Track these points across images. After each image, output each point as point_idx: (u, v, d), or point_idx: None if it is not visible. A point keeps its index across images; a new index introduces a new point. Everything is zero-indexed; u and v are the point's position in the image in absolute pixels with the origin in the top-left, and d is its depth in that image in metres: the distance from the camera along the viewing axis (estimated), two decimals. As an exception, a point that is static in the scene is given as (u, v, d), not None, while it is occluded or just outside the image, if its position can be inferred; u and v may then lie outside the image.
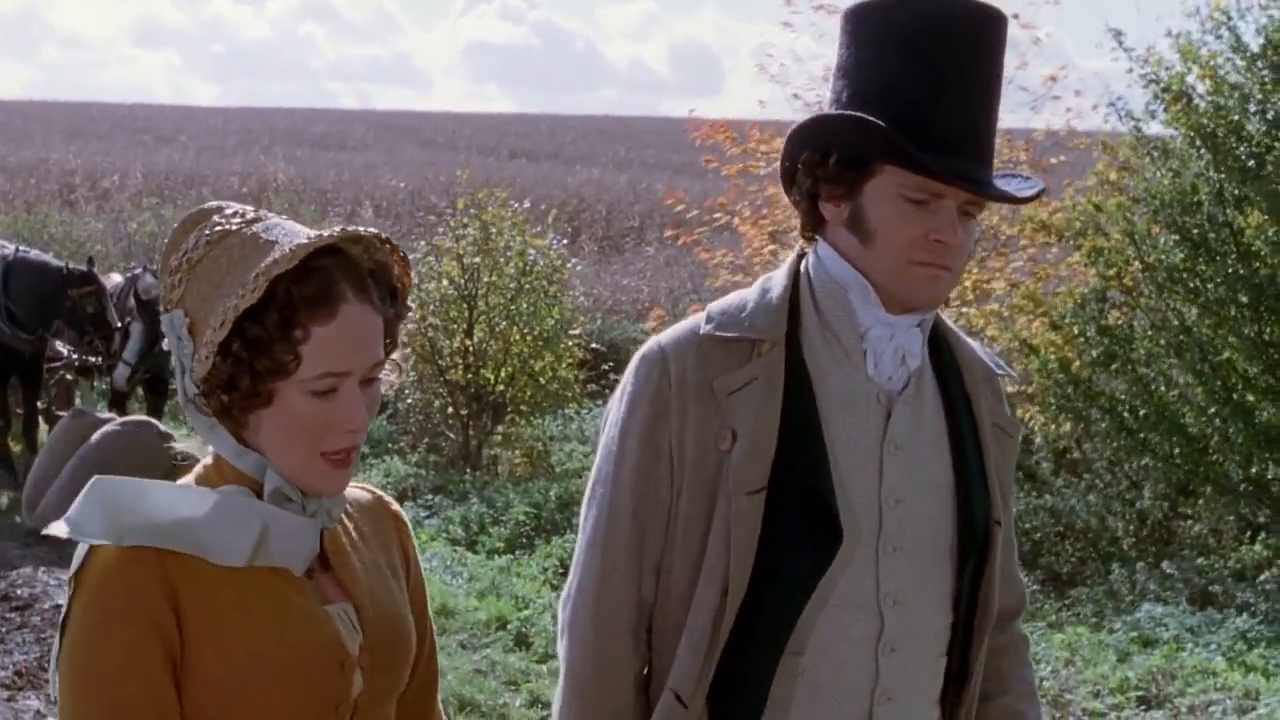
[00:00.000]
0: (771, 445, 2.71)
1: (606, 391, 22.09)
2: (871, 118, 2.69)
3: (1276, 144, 12.46)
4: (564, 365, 17.72)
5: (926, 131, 2.67)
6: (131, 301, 15.43)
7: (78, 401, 15.69)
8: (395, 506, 2.64)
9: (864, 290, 2.78)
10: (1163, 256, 12.90)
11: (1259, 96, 12.73)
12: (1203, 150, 12.68)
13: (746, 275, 16.79)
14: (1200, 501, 14.00)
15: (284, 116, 76.36)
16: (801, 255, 2.89)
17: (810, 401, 2.75)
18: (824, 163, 2.76)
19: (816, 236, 2.85)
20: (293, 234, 2.32)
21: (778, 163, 2.89)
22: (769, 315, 2.79)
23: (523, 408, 17.66)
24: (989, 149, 2.76)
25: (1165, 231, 12.97)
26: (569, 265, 19.13)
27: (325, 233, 2.29)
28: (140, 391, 16.79)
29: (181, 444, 2.46)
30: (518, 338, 17.17)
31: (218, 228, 2.34)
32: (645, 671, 2.83)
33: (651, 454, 2.77)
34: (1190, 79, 12.90)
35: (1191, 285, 12.80)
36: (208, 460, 2.40)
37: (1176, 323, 12.95)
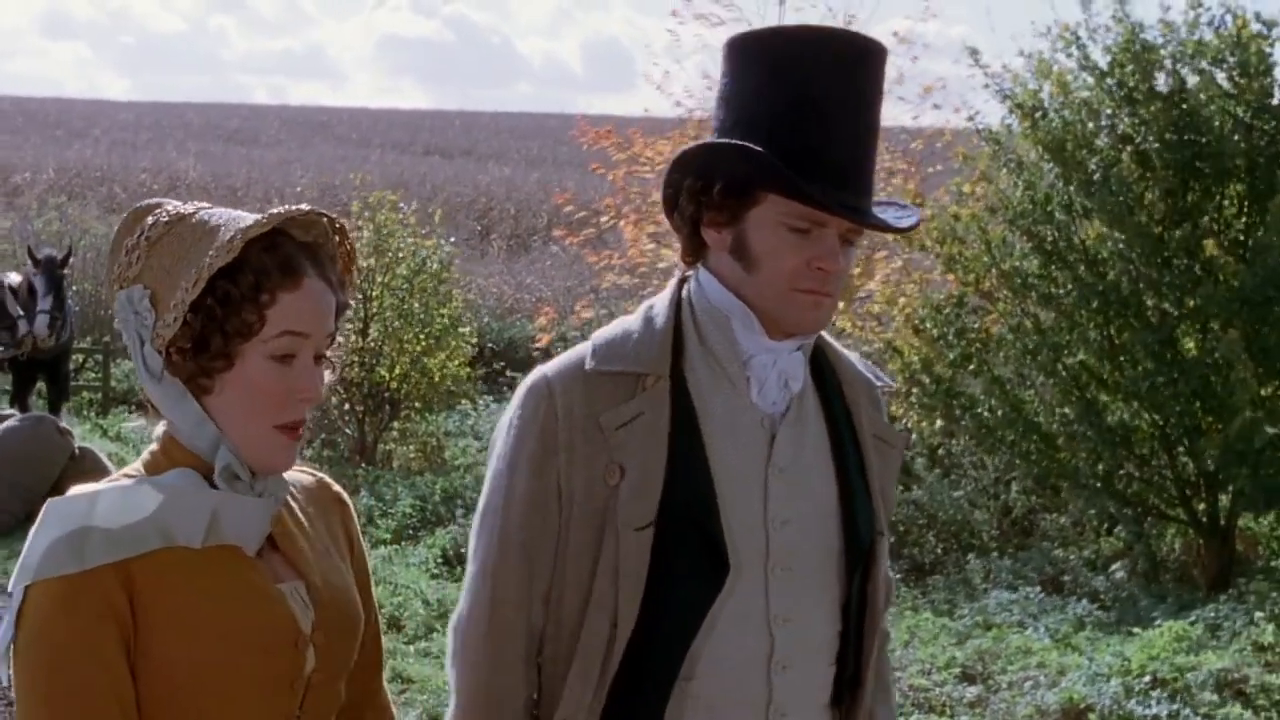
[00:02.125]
0: (659, 480, 2.73)
1: (503, 389, 22.64)
2: (756, 147, 2.71)
3: (1122, 157, 13.12)
4: (455, 363, 18.19)
5: (809, 161, 2.70)
6: (29, 269, 15.93)
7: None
8: (337, 489, 2.68)
9: (746, 318, 2.80)
10: (1018, 264, 13.51)
11: (1108, 111, 13.36)
12: (1053, 165, 13.32)
13: (632, 277, 17.40)
14: (1058, 496, 14.70)
15: (197, 112, 76.14)
16: (683, 281, 2.91)
17: (695, 433, 2.78)
18: (708, 190, 2.78)
19: (698, 263, 2.88)
20: (240, 217, 2.40)
21: (661, 168, 3.14)
22: (653, 348, 2.80)
23: (416, 404, 18.15)
24: (869, 178, 2.80)
25: (1021, 239, 13.59)
26: (455, 264, 19.57)
27: (288, 209, 2.40)
28: (41, 388, 17.18)
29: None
30: (410, 336, 17.64)
31: (170, 213, 2.42)
32: (535, 698, 2.84)
33: (539, 487, 2.77)
34: (1043, 95, 13.51)
35: (1045, 291, 13.40)
36: (154, 446, 2.45)
37: (1031, 326, 13.57)
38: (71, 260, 17.04)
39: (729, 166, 2.77)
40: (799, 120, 2.73)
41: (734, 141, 2.76)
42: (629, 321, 2.88)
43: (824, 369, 2.93)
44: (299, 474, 2.61)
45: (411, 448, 18.06)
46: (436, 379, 18.02)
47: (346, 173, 42.26)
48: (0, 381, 17.46)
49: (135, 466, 2.45)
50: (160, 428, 2.45)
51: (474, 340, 18.93)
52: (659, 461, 2.73)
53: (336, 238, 2.49)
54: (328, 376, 2.48)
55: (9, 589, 2.34)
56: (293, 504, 2.53)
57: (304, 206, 2.43)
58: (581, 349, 2.85)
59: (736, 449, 2.79)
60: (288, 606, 2.41)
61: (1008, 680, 8.83)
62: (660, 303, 2.88)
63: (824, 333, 2.94)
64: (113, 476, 2.45)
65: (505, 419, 2.86)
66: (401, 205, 18.89)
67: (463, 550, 12.47)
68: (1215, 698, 7.84)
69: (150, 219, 2.43)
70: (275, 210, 2.40)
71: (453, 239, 22.05)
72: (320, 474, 2.68)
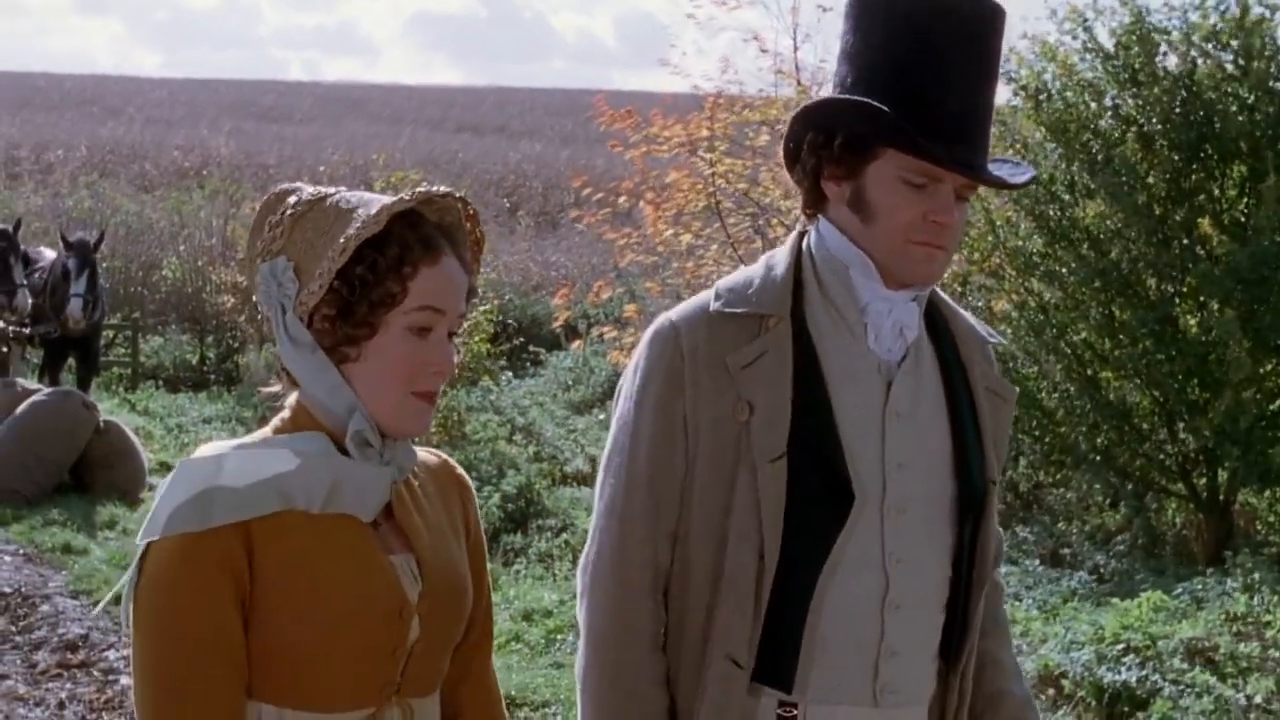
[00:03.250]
0: (786, 414, 2.80)
1: (525, 365, 22.95)
2: (876, 103, 2.78)
3: (1126, 138, 13.36)
4: (476, 339, 18.49)
5: (928, 117, 2.76)
6: (48, 251, 16.36)
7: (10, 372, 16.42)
8: (460, 472, 2.78)
9: (865, 267, 2.87)
10: (1022, 243, 13.77)
11: (1113, 92, 13.59)
12: (1056, 145, 13.56)
13: (650, 255, 17.63)
14: (1061, 473, 14.95)
15: (231, 89, 76.43)
16: (803, 233, 2.98)
17: (817, 374, 2.84)
18: (829, 144, 2.85)
19: (818, 214, 2.95)
20: (380, 197, 2.53)
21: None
22: (775, 291, 2.88)
23: (438, 380, 18.46)
24: (985, 136, 2.85)
25: (1025, 219, 13.84)
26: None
27: (429, 189, 2.54)
28: (72, 363, 17.56)
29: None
30: (431, 313, 17.93)
31: (312, 193, 2.55)
32: (663, 633, 2.90)
33: (666, 425, 2.85)
34: (1047, 76, 13.75)
35: (1049, 270, 13.64)
36: (285, 413, 2.56)
37: (1035, 304, 13.82)
38: (103, 243, 17.41)
39: (849, 121, 2.84)
40: (919, 76, 2.79)
41: (855, 97, 2.83)
42: (751, 270, 2.97)
43: (938, 323, 3.01)
44: (426, 454, 2.72)
45: (432, 422, 18.38)
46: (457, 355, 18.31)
47: (378, 150, 42.63)
48: (33, 357, 17.82)
49: (264, 432, 2.57)
50: (292, 397, 2.56)
51: (495, 317, 19.19)
52: (785, 397, 2.81)
53: (469, 224, 2.60)
54: (455, 358, 2.58)
55: (137, 541, 2.47)
56: (414, 480, 2.62)
57: (442, 189, 2.56)
58: (705, 295, 2.94)
59: (855, 392, 2.87)
60: (395, 577, 2.50)
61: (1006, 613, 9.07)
62: (781, 252, 2.98)
63: (938, 289, 3.03)
64: (242, 439, 2.56)
65: (631, 363, 2.95)
66: (425, 184, 19.17)
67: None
68: (1184, 664, 8.12)
69: (293, 198, 2.55)
70: (419, 189, 2.53)
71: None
72: (446, 456, 2.78)
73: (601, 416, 19.33)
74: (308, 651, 2.43)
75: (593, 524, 2.95)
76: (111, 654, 8.53)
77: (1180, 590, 10.36)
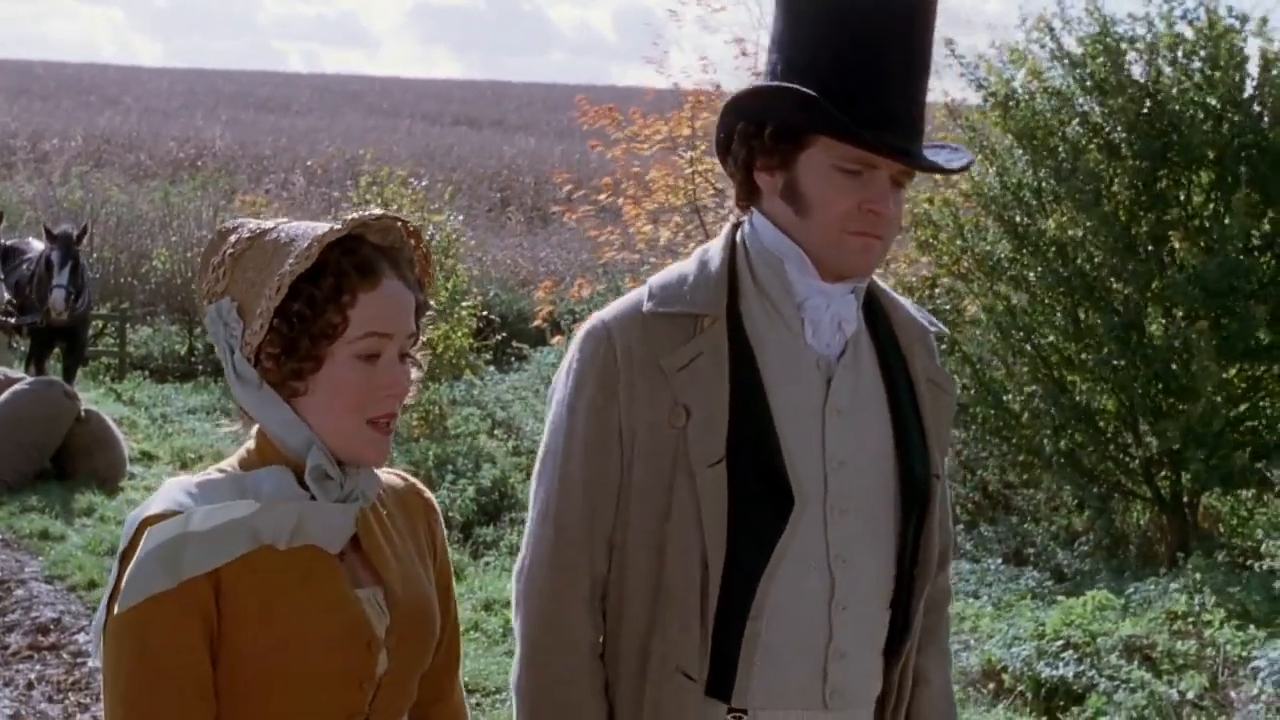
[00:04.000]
0: (724, 419, 2.74)
1: (510, 360, 23.15)
2: (806, 89, 2.72)
3: (1091, 145, 13.58)
4: (459, 334, 18.70)
5: (859, 104, 2.70)
6: (36, 242, 16.64)
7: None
8: (428, 495, 2.75)
9: (800, 261, 2.81)
10: (990, 248, 13.99)
11: (1080, 100, 13.81)
12: (1022, 152, 13.79)
13: (632, 252, 17.86)
14: (1030, 474, 15.18)
15: (230, 79, 76.62)
16: (737, 226, 2.90)
17: (754, 373, 2.78)
18: (759, 134, 2.79)
19: (751, 207, 2.88)
20: (317, 227, 2.51)
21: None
22: (709, 289, 2.82)
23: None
24: (919, 122, 2.79)
25: (994, 224, 14.06)
26: (467, 238, 20.06)
27: (362, 215, 2.50)
28: (59, 351, 17.77)
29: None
30: (414, 308, 18.15)
31: (251, 229, 2.53)
32: (600, 642, 2.84)
33: (601, 430, 2.78)
34: (1016, 83, 13.97)
35: (1016, 274, 13.87)
36: (250, 444, 2.54)
37: (1003, 308, 14.05)
38: (88, 235, 17.62)
39: (779, 110, 2.78)
40: (850, 63, 2.73)
41: (784, 84, 2.77)
42: (684, 265, 2.90)
43: (877, 314, 2.95)
44: (391, 477, 2.69)
45: (414, 415, 18.59)
46: (440, 350, 18.53)
47: (375, 144, 42.75)
48: (20, 346, 18.07)
49: (230, 463, 2.56)
50: (255, 429, 2.54)
51: (478, 312, 19.41)
52: (722, 400, 2.75)
53: (412, 240, 2.56)
54: (414, 374, 2.55)
55: (116, 612, 2.42)
56: (381, 508, 2.60)
57: (376, 211, 2.52)
58: (638, 293, 2.87)
59: (794, 390, 2.81)
60: (362, 610, 2.49)
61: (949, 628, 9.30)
62: (714, 246, 2.90)
63: (876, 278, 2.97)
64: (208, 471, 2.55)
65: (563, 364, 2.87)
66: (412, 180, 19.41)
67: (450, 515, 13.04)
68: (1122, 661, 8.35)
69: (234, 237, 2.53)
70: (350, 216, 2.50)
71: (461, 216, 22.55)
72: (412, 479, 2.75)
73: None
74: (275, 685, 2.44)
75: (527, 531, 2.89)
76: (81, 637, 8.73)
77: (1133, 590, 10.60)
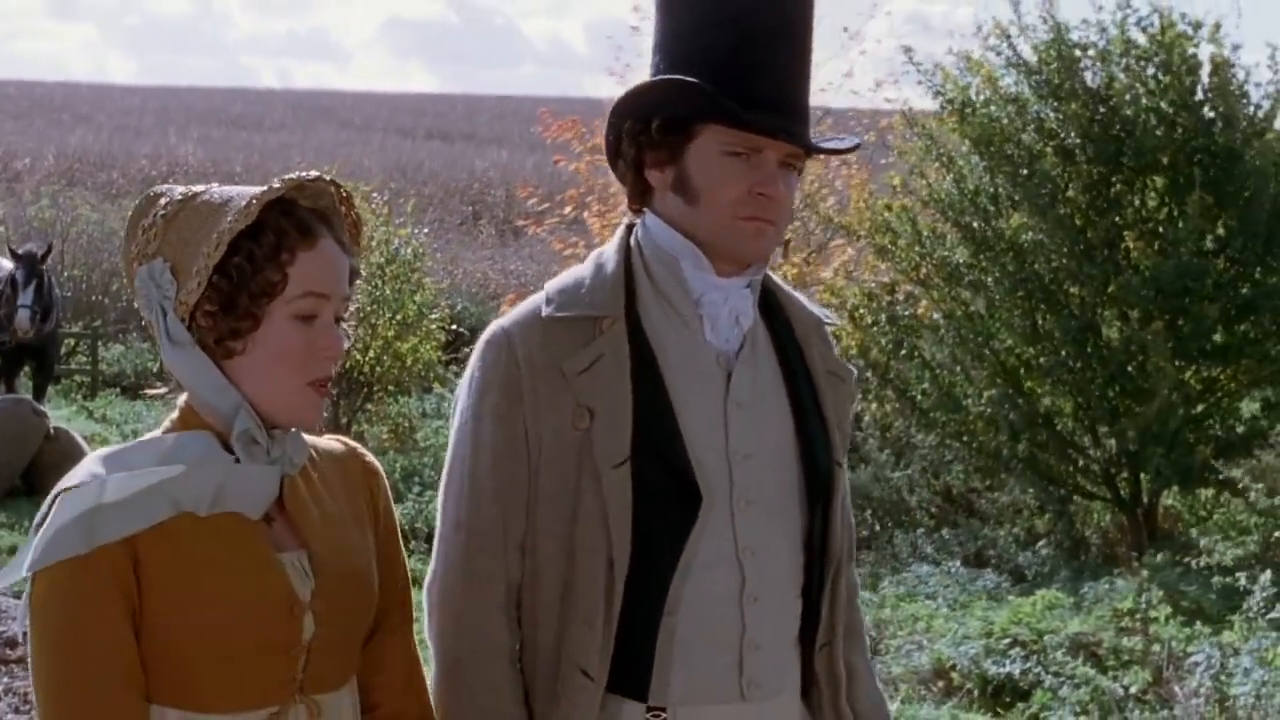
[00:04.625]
0: (628, 419, 2.75)
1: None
2: (688, 78, 2.76)
3: (1047, 150, 13.75)
4: (427, 347, 18.82)
5: (743, 91, 2.73)
6: (6, 262, 16.69)
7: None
8: (370, 459, 2.74)
9: (695, 257, 2.82)
10: (949, 253, 14.15)
11: (1035, 107, 13.98)
12: (979, 159, 13.96)
13: (597, 264, 17.99)
14: (994, 478, 15.35)
15: (202, 96, 76.54)
16: (630, 227, 2.92)
17: (655, 372, 2.80)
18: (646, 129, 2.81)
19: (644, 208, 2.89)
20: (251, 189, 2.52)
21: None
22: (606, 291, 2.82)
23: (390, 387, 18.81)
24: (804, 108, 2.83)
25: (951, 230, 14.22)
26: (433, 252, 20.14)
27: (299, 175, 2.53)
28: (28, 369, 17.85)
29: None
30: (382, 322, 18.28)
31: (183, 192, 2.54)
32: (517, 648, 2.84)
33: (508, 436, 2.78)
34: (972, 91, 14.13)
35: (974, 279, 14.01)
36: (173, 415, 2.54)
37: (962, 313, 14.19)
38: (51, 255, 17.68)
39: (663, 102, 2.81)
40: (731, 54, 2.76)
41: (666, 77, 2.81)
42: (580, 269, 2.90)
43: (773, 308, 2.96)
44: (331, 443, 2.70)
45: (384, 429, 18.70)
46: (408, 363, 18.64)
47: (346, 158, 42.70)
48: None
49: (155, 433, 2.55)
50: (183, 398, 2.54)
51: (445, 326, 19.54)
52: (625, 400, 2.76)
53: (343, 206, 2.59)
54: (344, 342, 2.55)
55: (24, 573, 2.45)
56: (314, 472, 2.60)
57: (312, 173, 2.55)
58: (536, 298, 2.86)
59: (695, 386, 2.83)
60: (284, 575, 2.48)
61: (896, 644, 9.48)
62: (609, 249, 2.91)
63: (772, 273, 2.98)
64: (126, 443, 2.56)
65: (466, 374, 2.87)
66: (375, 195, 19.53)
67: (416, 525, 13.16)
68: (1068, 658, 8.51)
69: (164, 200, 2.54)
70: (288, 176, 2.52)
71: (427, 229, 22.67)
72: (353, 444, 2.75)
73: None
74: (200, 654, 2.44)
75: (437, 539, 2.87)
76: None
77: (1087, 589, 10.77)
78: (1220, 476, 13.96)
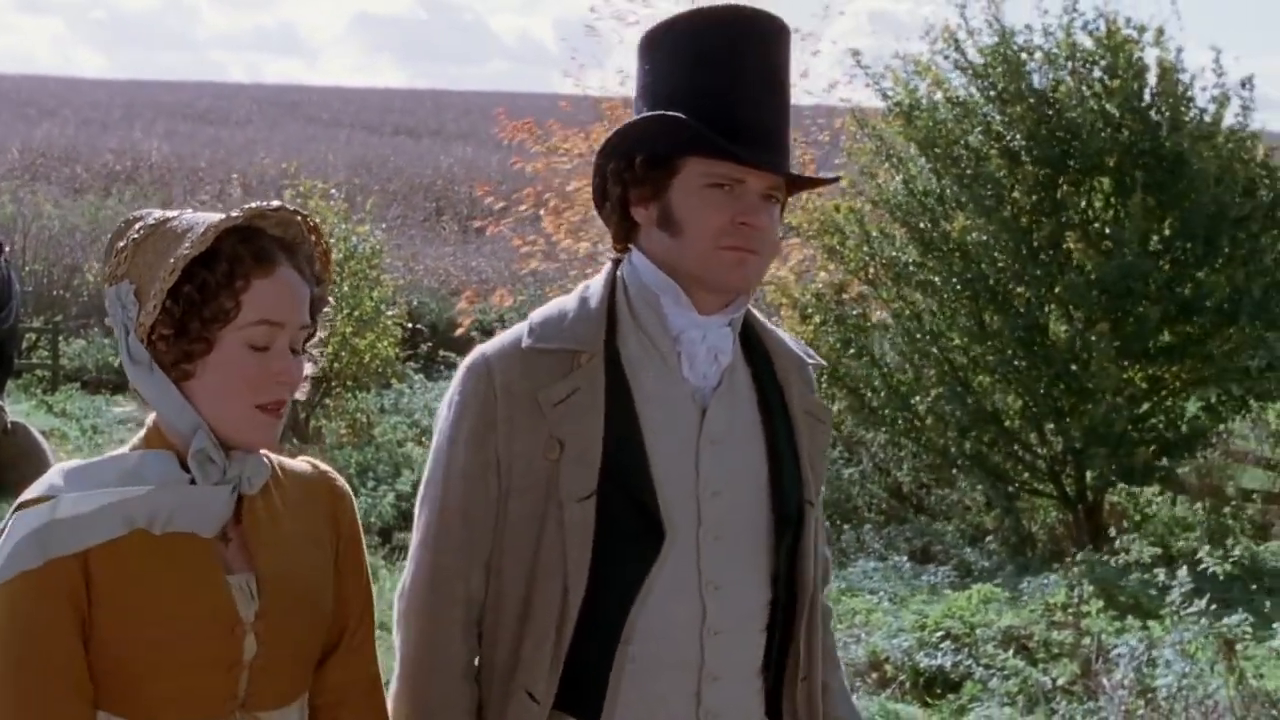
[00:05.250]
0: (597, 454, 2.79)
1: (440, 369, 23.38)
2: (670, 113, 2.81)
3: (993, 153, 13.96)
4: (385, 343, 18.96)
5: (724, 124, 2.78)
6: None
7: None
8: (339, 483, 2.77)
9: (676, 295, 2.86)
10: (897, 254, 14.36)
11: (982, 110, 14.19)
12: (926, 161, 14.17)
13: (554, 261, 18.17)
14: (943, 475, 15.56)
15: (169, 90, 76.36)
16: (618, 263, 2.96)
17: (630, 407, 2.83)
18: (630, 167, 2.86)
19: (630, 246, 2.93)
20: (212, 217, 2.54)
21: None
22: (588, 325, 2.87)
23: (348, 382, 18.95)
24: (784, 141, 2.87)
25: (900, 231, 14.43)
26: (392, 248, 20.25)
27: (261, 205, 2.56)
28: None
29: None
30: (340, 318, 18.39)
31: (156, 217, 2.57)
32: (475, 663, 2.89)
33: (479, 460, 2.83)
34: (920, 93, 14.33)
35: (922, 279, 14.24)
36: (142, 432, 2.58)
37: (909, 312, 14.42)
38: (7, 250, 17.71)
39: (647, 139, 2.85)
40: (713, 92, 2.81)
41: (648, 113, 2.86)
42: (565, 301, 2.94)
43: (754, 346, 2.98)
44: (302, 465, 2.72)
45: (342, 424, 18.84)
46: (366, 359, 18.78)
47: (312, 154, 42.74)
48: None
49: (122, 450, 2.60)
50: (151, 416, 2.58)
51: (403, 322, 19.68)
52: (596, 435, 2.79)
53: (312, 236, 2.61)
54: (308, 369, 2.58)
55: None
56: (275, 492, 2.63)
57: (276, 203, 2.58)
58: (519, 328, 2.90)
59: (669, 422, 2.85)
60: (228, 595, 2.52)
61: (835, 638, 9.64)
62: (596, 283, 2.95)
63: (754, 310, 3.02)
64: (89, 459, 2.60)
65: (447, 397, 2.92)
66: (333, 192, 19.68)
67: (371, 519, 13.30)
68: (999, 650, 8.71)
69: (139, 224, 2.57)
70: (249, 205, 2.55)
71: (384, 226, 22.79)
72: (325, 467, 2.77)
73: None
74: (146, 667, 2.48)
75: (410, 553, 2.94)
76: None
77: (1026, 583, 10.98)
78: (1164, 474, 14.19)
